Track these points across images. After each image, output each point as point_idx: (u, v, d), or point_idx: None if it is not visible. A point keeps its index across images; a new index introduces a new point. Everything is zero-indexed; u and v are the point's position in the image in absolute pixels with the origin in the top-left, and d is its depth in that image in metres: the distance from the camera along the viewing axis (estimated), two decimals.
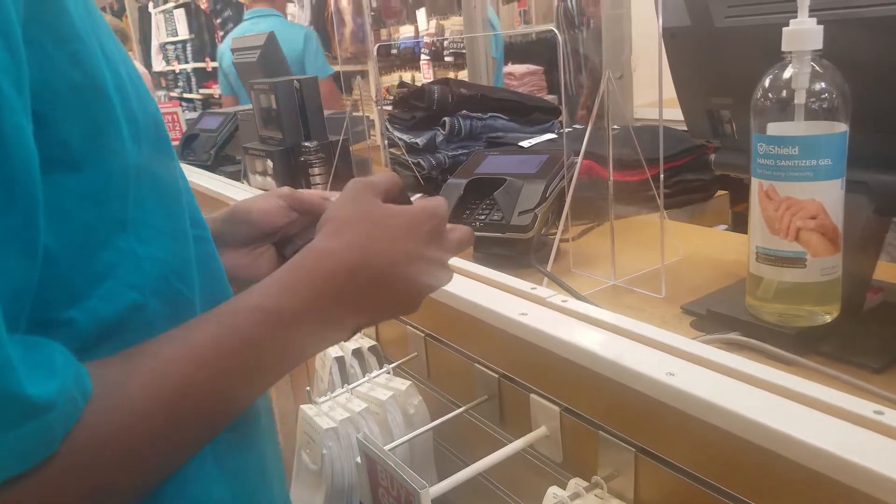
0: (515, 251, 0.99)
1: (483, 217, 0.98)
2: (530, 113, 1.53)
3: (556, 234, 1.09)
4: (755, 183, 0.68)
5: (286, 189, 0.67)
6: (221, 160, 1.99)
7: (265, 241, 0.66)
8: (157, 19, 7.19)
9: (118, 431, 0.38)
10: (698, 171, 1.29)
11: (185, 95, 6.84)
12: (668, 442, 0.62)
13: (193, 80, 6.75)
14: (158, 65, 7.33)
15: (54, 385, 0.34)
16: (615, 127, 1.00)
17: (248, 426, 0.53)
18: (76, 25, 0.40)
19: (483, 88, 1.54)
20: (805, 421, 0.52)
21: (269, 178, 1.53)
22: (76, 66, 0.39)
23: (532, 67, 4.00)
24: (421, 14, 3.77)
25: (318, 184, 1.44)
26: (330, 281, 0.48)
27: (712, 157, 0.99)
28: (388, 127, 1.55)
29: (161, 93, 7.43)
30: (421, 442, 0.92)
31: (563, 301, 0.78)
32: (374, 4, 4.18)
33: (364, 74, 4.39)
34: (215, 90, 5.67)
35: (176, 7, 6.65)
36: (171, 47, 7.03)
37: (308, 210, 0.67)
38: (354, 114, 1.73)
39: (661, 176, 0.89)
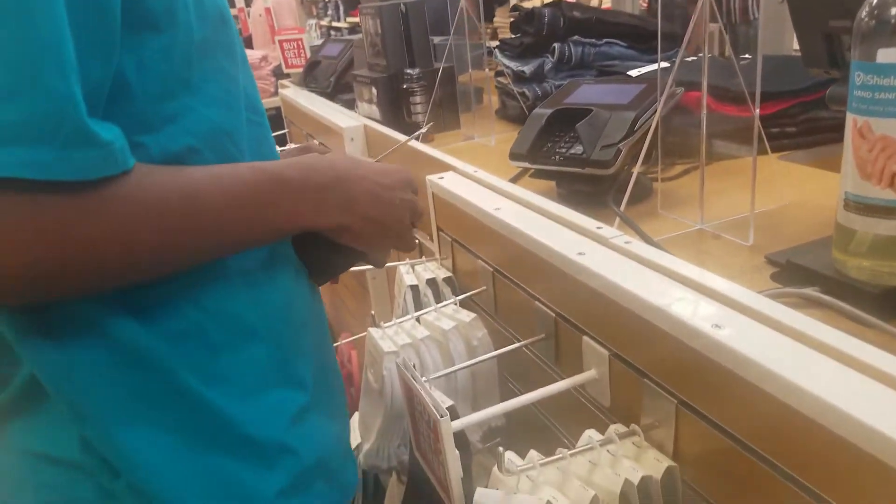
0: (598, 188, 0.93)
1: (564, 150, 0.92)
2: (651, 40, 1.41)
3: (650, 172, 1.02)
4: (850, 119, 0.59)
5: (315, 144, 0.88)
6: (342, 88, 2.03)
7: None
8: None
9: (147, 202, 0.50)
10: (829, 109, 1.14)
11: (334, 24, 6.99)
12: (710, 397, 0.57)
13: (342, 8, 6.86)
14: None
15: (110, 135, 0.47)
16: (745, 57, 0.90)
17: (274, 268, 0.65)
18: None
19: (599, 12, 1.44)
20: (875, 400, 0.46)
21: (374, 107, 1.54)
22: None
23: None
24: None
25: (419, 112, 1.43)
26: (318, 170, 0.61)
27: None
28: (497, 54, 1.50)
29: (312, 21, 7.65)
30: (484, 372, 0.91)
31: (626, 242, 0.72)
32: None
33: (503, 2, 4.27)
34: None
35: None
36: None
37: None
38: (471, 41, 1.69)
39: (757, 110, 0.80)
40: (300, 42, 2.38)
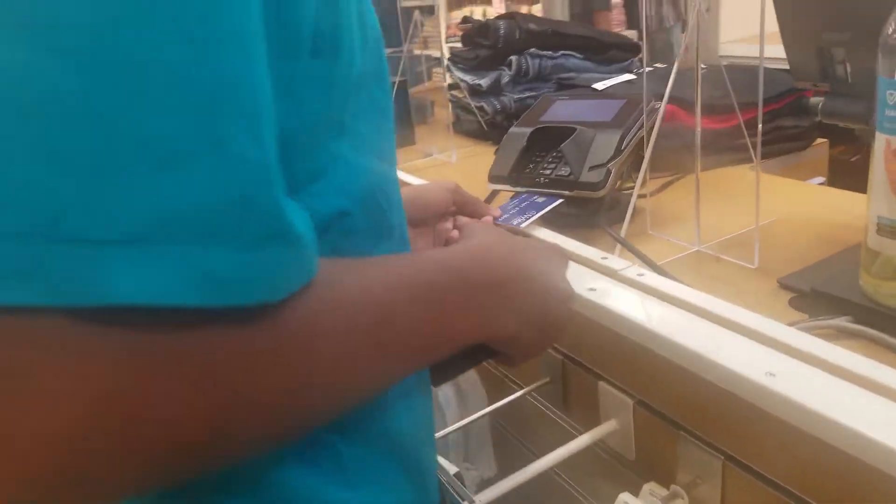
0: (586, 211, 0.88)
1: (548, 172, 0.87)
2: (607, 51, 1.39)
3: (632, 189, 0.98)
4: (881, 139, 0.56)
5: (453, 184, 0.78)
6: None
7: (425, 225, 0.76)
8: None
9: (335, 328, 0.36)
10: (795, 117, 1.13)
11: None
12: (762, 451, 0.52)
13: None
14: None
15: (302, 224, 0.33)
16: (703, 66, 0.87)
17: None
18: None
19: (554, 23, 1.40)
20: None
21: None
22: None
23: (613, 0, 3.73)
24: None
25: None
26: (494, 266, 0.48)
27: (817, 101, 0.85)
28: (451, 67, 1.44)
29: None
30: (477, 423, 0.85)
31: (638, 275, 0.67)
32: None
33: (429, 10, 4.23)
34: None
35: None
36: None
37: (466, 206, 0.79)
38: (416, 53, 1.62)
39: (760, 125, 0.77)
40: None
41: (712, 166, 1.05)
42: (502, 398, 0.77)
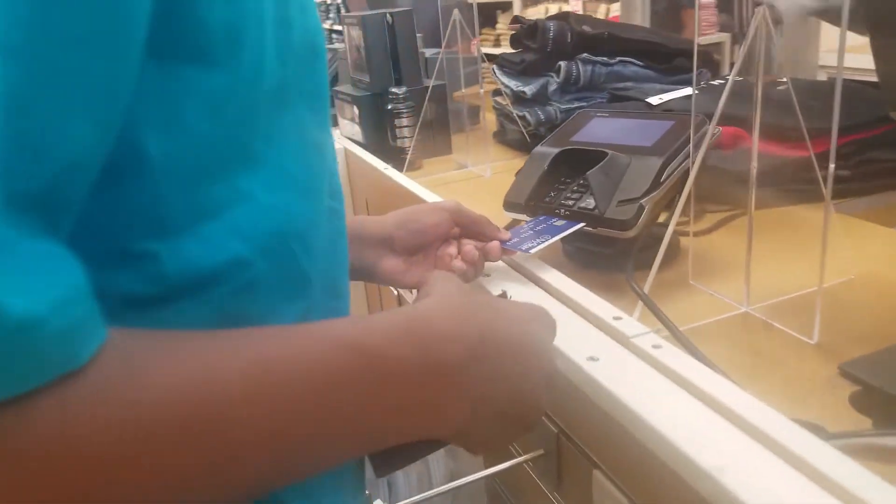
0: (613, 250, 0.74)
1: (571, 203, 0.74)
2: (673, 59, 1.23)
3: (677, 224, 0.83)
4: None
5: (454, 204, 0.70)
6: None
7: (422, 251, 0.68)
8: None
9: (123, 418, 0.26)
10: (893, 148, 0.95)
11: (336, 27, 6.84)
12: None
13: (343, 11, 6.71)
14: None
15: (47, 299, 0.24)
16: (783, 81, 0.72)
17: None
18: None
19: (612, 26, 1.25)
20: None
21: (357, 127, 1.35)
22: None
23: (704, 1, 3.49)
24: None
25: (405, 137, 1.25)
26: (439, 342, 0.37)
27: None
28: (496, 71, 1.32)
29: None
30: (468, 490, 0.73)
31: (654, 346, 0.53)
32: None
33: (506, 6, 4.09)
34: None
35: None
36: None
37: (471, 227, 0.70)
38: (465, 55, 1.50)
39: (833, 157, 0.61)
40: None
41: (779, 204, 0.89)
42: (498, 460, 0.64)
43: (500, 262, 0.74)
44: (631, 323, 0.57)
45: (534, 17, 3.43)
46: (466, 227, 0.70)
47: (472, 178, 1.20)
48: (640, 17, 2.63)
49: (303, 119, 0.39)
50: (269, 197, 0.36)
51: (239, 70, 0.33)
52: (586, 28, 1.17)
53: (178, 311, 0.33)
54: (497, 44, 4.03)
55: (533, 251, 0.69)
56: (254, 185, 0.35)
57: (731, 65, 3.91)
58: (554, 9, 3.54)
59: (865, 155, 0.93)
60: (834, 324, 0.61)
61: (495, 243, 0.70)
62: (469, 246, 0.69)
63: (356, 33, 1.30)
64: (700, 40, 3.16)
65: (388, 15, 1.26)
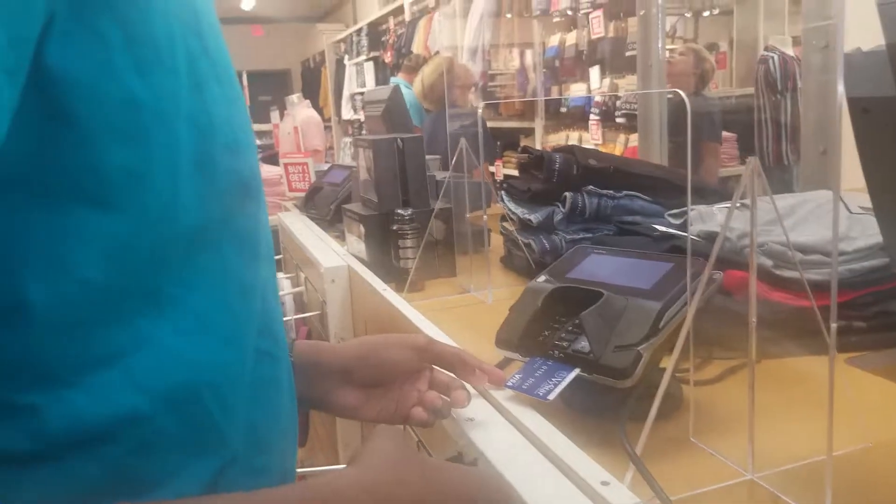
0: (609, 397, 0.69)
1: (565, 344, 0.69)
2: (681, 194, 1.21)
3: (680, 371, 0.78)
4: None
5: (423, 339, 0.66)
6: (341, 216, 1.86)
7: (384, 386, 0.64)
8: (349, 71, 7.60)
9: None
10: None
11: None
12: None
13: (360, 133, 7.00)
14: (347, 113, 7.71)
15: None
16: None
17: None
18: (162, 25, 0.30)
19: (618, 160, 1.26)
20: None
21: (362, 245, 1.34)
22: (142, 76, 0.30)
23: (725, 134, 3.57)
24: (594, 72, 3.52)
25: (409, 258, 1.23)
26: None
27: None
28: (503, 197, 1.31)
29: (347, 139, 7.82)
30: None
31: None
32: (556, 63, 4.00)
33: (529, 132, 4.21)
34: None
35: (366, 60, 6.98)
36: (358, 97, 7.37)
37: (442, 365, 0.66)
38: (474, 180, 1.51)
39: (834, 314, 0.56)
40: (305, 166, 2.27)
41: (788, 354, 0.83)
42: None
43: (485, 402, 0.69)
44: (619, 491, 0.52)
45: (554, 143, 3.51)
46: (440, 364, 0.66)
47: (474, 303, 1.17)
48: (658, 148, 2.68)
49: (228, 260, 0.36)
50: (178, 343, 0.32)
51: (143, 214, 0.30)
52: (592, 161, 1.17)
53: (63, 470, 0.29)
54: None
55: (551, 397, 0.65)
56: (160, 329, 0.32)
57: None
58: (575, 137, 3.63)
59: (882, 305, 0.89)
60: (849, 497, 0.55)
61: (463, 392, 0.65)
62: (432, 394, 0.64)
63: (367, 155, 1.32)
64: (721, 172, 3.19)
65: (398, 140, 1.28)
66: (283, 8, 8.60)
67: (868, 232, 0.91)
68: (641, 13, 2.57)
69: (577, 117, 3.68)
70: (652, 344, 0.66)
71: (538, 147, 3.86)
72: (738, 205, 0.68)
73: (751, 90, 3.97)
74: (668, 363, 0.63)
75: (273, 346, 0.41)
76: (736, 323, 0.80)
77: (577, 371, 0.67)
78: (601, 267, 0.77)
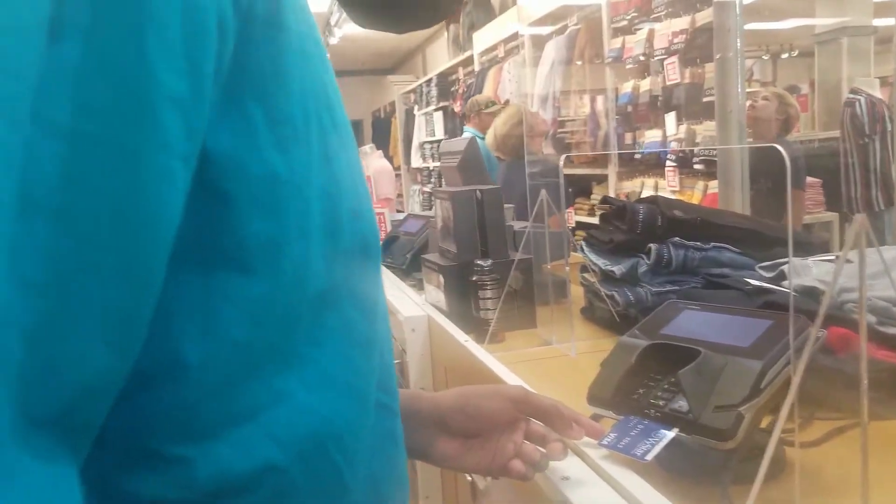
0: (709, 459, 0.67)
1: (662, 403, 0.68)
2: (771, 246, 1.18)
3: (783, 431, 0.74)
4: None
5: (519, 391, 0.65)
6: (417, 266, 1.88)
7: (480, 436, 0.64)
8: (419, 121, 7.77)
9: None
10: None
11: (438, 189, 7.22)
12: None
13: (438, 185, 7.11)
14: (416, 161, 7.87)
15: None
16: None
17: None
18: (298, 102, 0.33)
19: (704, 211, 1.23)
20: None
21: (441, 295, 1.35)
22: (282, 153, 0.32)
23: (809, 179, 3.46)
24: (670, 118, 3.48)
25: (489, 308, 1.23)
26: None
27: None
28: (584, 248, 1.30)
29: (415, 187, 7.96)
30: None
31: None
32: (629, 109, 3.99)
33: (601, 179, 4.19)
34: None
35: (436, 110, 7.13)
36: (428, 146, 7.51)
37: (539, 417, 0.65)
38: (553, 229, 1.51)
39: None
40: (382, 216, 2.31)
41: (894, 416, 0.79)
42: None
43: (580, 460, 0.68)
44: None
45: (629, 190, 3.46)
46: (537, 416, 0.66)
47: (557, 356, 1.15)
48: (740, 196, 2.61)
49: (351, 318, 0.38)
50: (308, 397, 0.34)
51: (279, 278, 0.32)
52: (677, 212, 1.15)
53: None
54: (591, 213, 4.09)
55: (649, 457, 0.63)
56: (292, 385, 0.34)
57: (841, 244, 3.77)
58: (650, 183, 3.59)
59: None
60: None
61: (559, 444, 0.64)
62: (530, 446, 0.64)
63: (446, 206, 1.34)
64: (806, 219, 3.08)
65: (477, 192, 1.29)
66: (356, 61, 8.93)
67: None
68: (718, 57, 2.54)
69: (652, 163, 3.64)
70: (754, 404, 0.64)
71: (612, 194, 3.82)
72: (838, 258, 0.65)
73: (834, 133, 3.85)
74: (774, 423, 0.61)
75: (390, 400, 0.43)
76: (839, 382, 0.76)
77: (675, 431, 0.65)
78: (696, 323, 0.75)
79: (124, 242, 0.25)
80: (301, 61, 0.34)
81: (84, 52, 0.23)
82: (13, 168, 0.22)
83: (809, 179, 3.43)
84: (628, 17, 3.59)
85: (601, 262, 1.22)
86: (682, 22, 3.14)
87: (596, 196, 4.22)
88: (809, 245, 1.24)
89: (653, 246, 1.14)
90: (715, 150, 2.86)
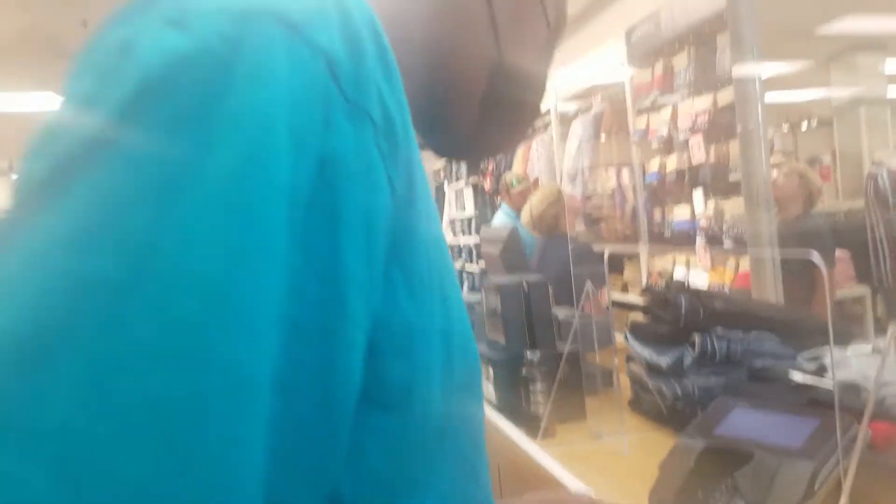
0: None
1: None
2: (811, 336, 1.22)
3: None
4: None
5: (587, 499, 0.65)
6: None
7: None
8: (449, 196, 7.92)
9: None
10: None
11: (466, 266, 7.28)
12: None
13: (474, 252, 7.18)
14: (448, 237, 7.97)
15: None
16: None
17: None
18: (424, 255, 0.38)
19: (743, 302, 1.28)
20: None
21: (490, 387, 1.40)
22: (414, 303, 0.37)
23: (838, 253, 3.48)
24: (698, 195, 3.55)
25: (539, 402, 1.28)
26: None
27: None
28: (629, 337, 1.35)
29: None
30: None
31: None
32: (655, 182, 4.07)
33: (633, 257, 4.23)
34: None
35: (465, 186, 7.27)
36: (458, 222, 7.62)
37: None
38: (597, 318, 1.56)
39: None
40: None
41: None
42: None
43: None
44: None
45: (661, 268, 3.47)
46: None
47: (609, 452, 1.19)
48: (772, 274, 2.64)
49: (462, 446, 0.43)
50: None
51: (410, 414, 0.38)
52: (717, 304, 1.21)
53: None
54: (625, 289, 4.12)
55: None
56: None
57: (875, 319, 3.73)
58: (682, 260, 3.63)
59: None
60: None
61: None
62: None
63: (492, 298, 1.40)
64: (839, 294, 3.07)
65: (524, 283, 1.36)
66: None
67: None
68: (740, 129, 2.62)
69: (683, 239, 3.68)
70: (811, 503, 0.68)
71: (644, 271, 3.86)
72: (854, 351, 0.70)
73: (859, 203, 3.88)
74: None
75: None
76: (885, 476, 0.80)
77: None
78: (748, 421, 0.80)
79: (328, 404, 0.32)
80: (425, 219, 0.40)
81: (294, 251, 0.31)
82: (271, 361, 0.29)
83: (838, 253, 3.45)
84: (650, 98, 3.72)
85: (646, 353, 1.27)
86: (704, 101, 3.24)
87: (628, 272, 4.26)
88: (846, 334, 1.28)
89: (697, 337, 1.19)
90: (742, 231, 2.91)
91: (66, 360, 0.26)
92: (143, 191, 0.28)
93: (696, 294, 1.24)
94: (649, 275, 3.79)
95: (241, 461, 0.28)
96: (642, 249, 3.92)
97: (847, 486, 0.64)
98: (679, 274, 3.66)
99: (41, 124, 0.32)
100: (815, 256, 0.77)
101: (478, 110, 0.52)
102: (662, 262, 3.78)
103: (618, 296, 3.94)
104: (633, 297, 3.54)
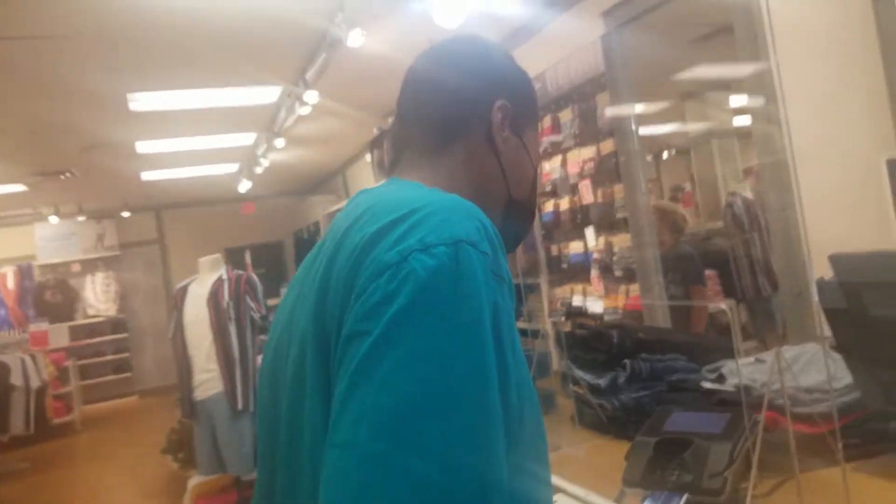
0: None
1: (674, 477, 1.06)
2: (710, 353, 1.61)
3: (745, 487, 1.13)
4: None
5: None
6: None
7: None
8: None
9: None
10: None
11: None
12: None
13: None
14: None
15: None
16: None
17: None
18: (510, 342, 0.62)
19: (659, 332, 1.66)
20: None
21: None
22: (518, 366, 0.63)
23: (707, 272, 4.03)
24: (589, 232, 4.02)
25: None
26: None
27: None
28: (571, 366, 1.69)
29: None
30: None
31: None
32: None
33: (535, 287, 4.66)
34: None
35: None
36: None
37: None
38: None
39: (838, 437, 0.94)
40: None
41: (814, 468, 1.19)
42: None
43: None
44: None
45: (561, 296, 3.84)
46: None
47: (570, 458, 1.51)
48: (658, 296, 3.09)
49: (543, 448, 0.70)
50: None
51: (518, 441, 0.63)
52: (641, 335, 1.58)
53: None
54: (528, 320, 4.53)
55: None
56: None
57: (742, 328, 4.34)
58: (579, 289, 4.09)
59: (868, 426, 1.26)
60: None
61: None
62: None
63: None
64: (711, 309, 3.59)
65: None
66: (278, 184, 9.27)
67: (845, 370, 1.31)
68: (623, 159, 3.08)
69: (578, 271, 4.15)
70: (731, 470, 1.03)
71: (545, 301, 4.29)
72: (748, 361, 1.06)
73: (718, 223, 4.52)
74: (746, 483, 0.99)
75: None
76: (775, 447, 1.16)
77: (687, 496, 1.03)
78: (684, 421, 1.15)
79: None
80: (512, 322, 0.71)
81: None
82: None
83: (708, 272, 4.01)
84: (542, 147, 4.18)
85: (588, 377, 1.61)
86: (590, 151, 3.73)
87: (532, 302, 4.67)
88: (729, 349, 1.68)
89: (627, 361, 1.55)
90: (630, 257, 3.36)
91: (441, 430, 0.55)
92: (449, 354, 0.57)
93: (622, 327, 1.60)
94: (550, 303, 4.22)
95: (500, 459, 0.57)
96: (542, 280, 4.36)
97: (755, 456, 1.00)
98: (577, 301, 4.07)
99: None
100: (728, 305, 1.13)
101: (500, 222, 0.84)
102: (562, 291, 4.23)
103: (521, 325, 4.34)
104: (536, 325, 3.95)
